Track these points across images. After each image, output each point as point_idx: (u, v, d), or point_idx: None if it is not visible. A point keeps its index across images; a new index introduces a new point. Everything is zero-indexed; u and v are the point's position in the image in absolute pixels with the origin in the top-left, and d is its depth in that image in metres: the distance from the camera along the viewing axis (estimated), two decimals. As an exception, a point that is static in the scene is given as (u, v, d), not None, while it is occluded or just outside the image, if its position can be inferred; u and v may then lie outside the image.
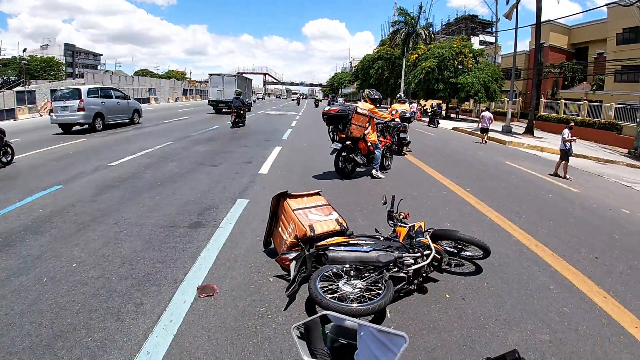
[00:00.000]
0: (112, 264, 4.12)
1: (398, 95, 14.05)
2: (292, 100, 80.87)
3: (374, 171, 9.01)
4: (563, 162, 11.96)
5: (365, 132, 8.42)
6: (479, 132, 21.50)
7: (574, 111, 33.94)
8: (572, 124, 13.40)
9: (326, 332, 1.02)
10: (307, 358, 0.93)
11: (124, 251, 4.45)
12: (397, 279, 3.66)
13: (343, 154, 8.56)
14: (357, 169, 9.11)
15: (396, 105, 14.30)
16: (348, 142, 8.43)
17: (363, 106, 8.47)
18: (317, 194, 4.71)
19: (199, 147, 12.27)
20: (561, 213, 7.66)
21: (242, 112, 19.16)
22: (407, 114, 13.47)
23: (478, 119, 23.28)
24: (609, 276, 4.92)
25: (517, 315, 3.81)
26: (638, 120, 23.92)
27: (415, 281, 3.83)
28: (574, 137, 12.13)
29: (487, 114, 20.27)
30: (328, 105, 13.33)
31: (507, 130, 25.88)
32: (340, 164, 8.65)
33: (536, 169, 13.24)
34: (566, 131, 12.19)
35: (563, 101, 35.16)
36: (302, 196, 4.43)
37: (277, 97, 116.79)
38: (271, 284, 3.92)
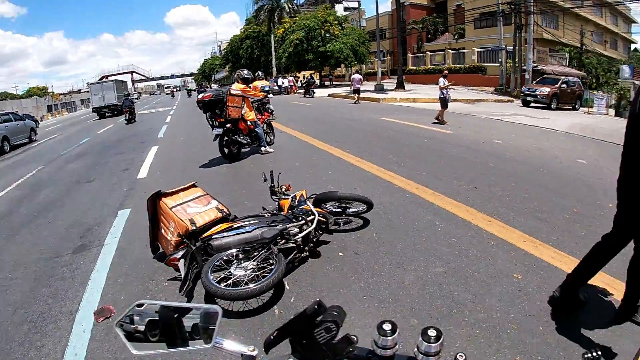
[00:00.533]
0: (5, 315, 4.06)
1: (256, 74, 14.35)
2: (167, 94, 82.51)
3: (262, 148, 9.75)
4: (443, 109, 13.39)
5: (242, 112, 9.02)
6: (352, 95, 23.34)
7: (440, 61, 38.51)
8: (446, 72, 14.82)
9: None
10: (134, 351, 0.94)
11: (14, 297, 4.42)
12: (288, 250, 3.91)
13: (226, 138, 9.12)
14: (243, 150, 9.65)
15: (256, 83, 14.75)
16: (228, 125, 8.95)
17: (236, 87, 9.07)
18: (193, 185, 4.79)
19: (72, 165, 12.20)
20: (437, 155, 8.66)
21: (132, 109, 23.46)
22: (266, 87, 13.96)
23: (349, 83, 24.87)
24: (489, 201, 5.68)
25: (409, 256, 4.20)
26: (500, 60, 27.54)
27: (306, 248, 4.10)
28: (450, 83, 13.63)
29: (356, 76, 23.21)
30: (198, 93, 13.47)
31: (379, 89, 27.98)
32: (225, 149, 9.20)
33: (411, 119, 14.77)
34: (442, 79, 13.55)
35: (428, 53, 39.80)
36: (177, 192, 4.60)
37: (150, 95, 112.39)
38: (167, 288, 4.04)
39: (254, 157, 9.62)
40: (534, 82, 23.55)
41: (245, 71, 9.64)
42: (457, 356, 0.80)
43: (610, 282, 3.67)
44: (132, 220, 6.16)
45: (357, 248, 4.40)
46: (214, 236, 3.86)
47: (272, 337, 0.85)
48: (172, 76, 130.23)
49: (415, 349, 0.81)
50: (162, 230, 4.34)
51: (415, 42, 46.32)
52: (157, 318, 0.97)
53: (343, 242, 4.56)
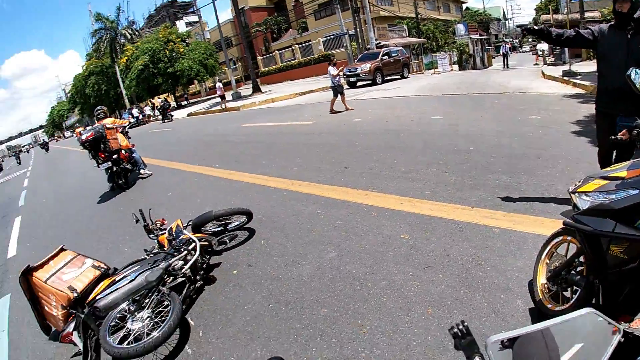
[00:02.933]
0: None
1: (95, 111, 13.57)
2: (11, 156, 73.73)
3: (142, 171, 10.23)
4: (339, 96, 12.96)
5: (119, 142, 9.58)
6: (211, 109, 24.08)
7: (289, 57, 39.65)
8: (334, 59, 14.58)
9: None
10: None
11: None
12: (180, 285, 3.78)
13: (115, 169, 9.56)
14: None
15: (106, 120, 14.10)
16: (115, 156, 9.38)
17: (108, 121, 9.60)
18: (62, 249, 4.43)
19: None
20: (304, 147, 8.91)
21: None
22: (125, 116, 13.45)
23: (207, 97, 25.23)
24: (362, 177, 5.99)
25: (300, 251, 4.25)
26: (345, 44, 29.00)
27: (198, 277, 4.00)
28: (340, 69, 13.34)
29: (219, 84, 25.33)
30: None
31: (237, 97, 28.13)
32: (117, 180, 9.65)
33: (272, 119, 14.99)
34: (331, 68, 13.17)
35: (277, 52, 40.82)
36: (47, 262, 4.23)
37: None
38: None
39: (120, 199, 9.06)
40: (356, 60, 24.10)
41: (99, 108, 10.40)
42: None
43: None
44: (15, 307, 5.56)
45: (249, 260, 4.36)
46: (98, 297, 3.62)
47: None
48: (21, 134, 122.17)
49: None
50: (46, 307, 4.00)
51: (262, 44, 47.21)
52: None
53: (234, 259, 4.49)
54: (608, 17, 23.20)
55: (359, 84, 21.59)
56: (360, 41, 28.78)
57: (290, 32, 45.72)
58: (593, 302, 2.30)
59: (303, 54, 38.32)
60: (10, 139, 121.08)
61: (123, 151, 9.74)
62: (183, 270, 3.78)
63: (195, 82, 43.42)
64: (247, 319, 3.40)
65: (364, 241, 4.09)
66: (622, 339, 2.28)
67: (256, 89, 28.94)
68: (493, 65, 32.62)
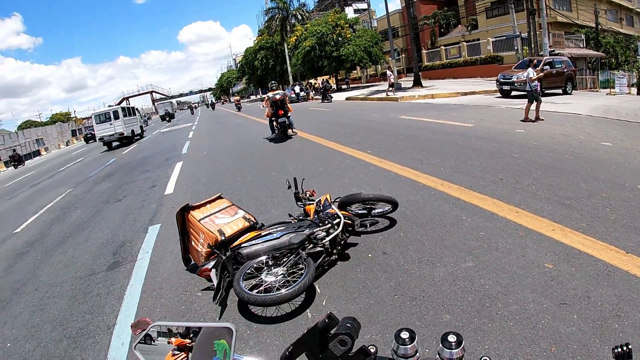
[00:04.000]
0: (44, 331, 4.26)
1: (270, 84, 15.08)
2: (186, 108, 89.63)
3: (293, 130, 14.20)
4: (534, 103, 11.62)
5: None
6: (384, 94, 24.60)
7: (455, 54, 38.19)
8: (535, 60, 13.52)
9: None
10: None
11: (52, 314, 4.61)
12: (316, 254, 3.99)
13: (286, 122, 13.61)
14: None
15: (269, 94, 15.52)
16: (289, 114, 13.76)
17: (282, 92, 14.25)
18: (219, 197, 4.92)
19: (100, 186, 12.68)
20: (460, 149, 8.61)
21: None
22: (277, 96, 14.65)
23: (379, 82, 25.65)
24: (516, 192, 5.64)
25: (437, 253, 4.22)
26: (515, 47, 27.11)
27: (335, 251, 4.18)
28: (542, 74, 12.10)
29: (388, 72, 25.91)
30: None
31: (397, 88, 27.86)
32: (284, 132, 13.86)
33: (430, 115, 14.64)
34: (530, 70, 11.88)
35: (443, 48, 39.53)
36: (204, 204, 4.73)
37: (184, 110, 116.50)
38: (200, 298, 4.14)
39: (275, 164, 9.78)
40: (514, 67, 21.37)
41: (275, 82, 14.62)
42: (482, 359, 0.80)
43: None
44: (162, 235, 6.33)
45: (385, 248, 4.45)
46: (243, 245, 4.00)
47: (287, 352, 0.84)
48: (191, 92, 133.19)
49: (437, 356, 0.80)
50: (193, 243, 4.48)
51: (429, 38, 46.04)
52: (171, 339, 1.00)
53: (371, 244, 4.61)
54: None
55: (513, 93, 19.15)
56: (532, 46, 26.55)
57: (458, 29, 43.88)
58: None
59: (470, 52, 36.53)
60: (181, 95, 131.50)
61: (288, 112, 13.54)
62: (324, 241, 3.97)
63: (358, 68, 44.20)
64: (370, 302, 3.50)
65: (505, 259, 3.91)
66: None
67: (417, 83, 28.52)
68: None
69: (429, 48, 44.05)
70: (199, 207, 4.62)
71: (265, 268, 3.80)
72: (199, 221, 4.35)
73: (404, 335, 0.80)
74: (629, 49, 35.58)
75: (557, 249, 4.04)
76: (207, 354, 0.91)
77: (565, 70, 20.72)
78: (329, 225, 4.11)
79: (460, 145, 8.95)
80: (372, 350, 0.83)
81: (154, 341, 1.04)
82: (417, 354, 0.81)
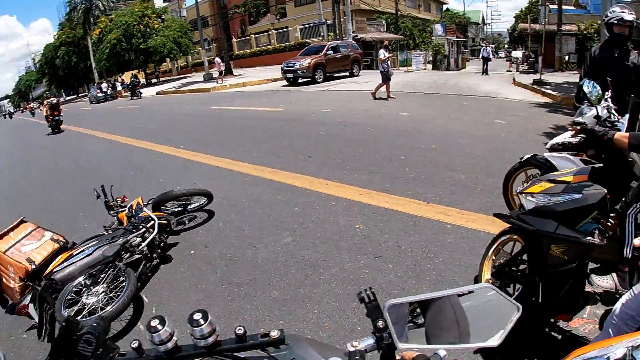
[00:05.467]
0: None
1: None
2: None
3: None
4: (385, 83, 12.44)
5: None
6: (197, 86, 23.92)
7: (265, 42, 39.32)
8: (386, 42, 13.87)
9: None
10: None
11: None
12: (136, 262, 3.82)
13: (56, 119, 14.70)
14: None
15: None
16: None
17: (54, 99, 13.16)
18: (22, 221, 4.36)
19: None
20: (272, 133, 9.01)
21: None
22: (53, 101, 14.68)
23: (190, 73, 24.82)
24: (325, 166, 6.14)
25: (257, 235, 4.36)
26: (322, 34, 29.01)
27: (155, 255, 4.05)
28: (391, 55, 12.79)
29: (217, 59, 24.91)
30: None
31: (208, 78, 27.77)
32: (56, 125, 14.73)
33: (242, 103, 15.00)
34: (382, 51, 12.54)
35: (253, 36, 40.37)
36: (6, 233, 4.17)
37: None
38: (28, 340, 3.71)
39: (82, 174, 8.89)
40: (299, 53, 21.88)
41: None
42: (236, 330, 0.83)
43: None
44: None
45: (207, 241, 4.44)
46: (55, 270, 3.64)
47: None
48: None
49: (191, 337, 0.82)
50: (4, 279, 3.93)
51: (239, 26, 46.44)
52: None
53: (192, 240, 4.56)
54: (584, 33, 23.93)
55: (300, 80, 19.33)
56: (337, 32, 28.78)
57: (268, 17, 45.20)
58: (533, 299, 2.43)
59: (279, 40, 38.01)
60: None
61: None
62: (140, 247, 3.83)
63: (168, 60, 42.60)
64: (199, 297, 3.48)
65: (320, 229, 4.23)
66: (559, 337, 2.46)
67: (228, 72, 28.62)
68: (467, 68, 33.22)
69: (240, 37, 44.45)
70: (1, 237, 4.08)
71: (85, 289, 3.55)
72: (4, 253, 3.86)
73: (197, 316, 0.80)
74: (425, 31, 41.06)
75: (366, 210, 4.52)
76: None
77: (351, 53, 21.55)
78: (144, 229, 3.96)
79: (272, 129, 9.35)
80: (135, 345, 0.82)
81: None
82: (174, 337, 0.82)
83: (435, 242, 3.77)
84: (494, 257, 3.00)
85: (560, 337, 2.49)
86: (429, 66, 29.85)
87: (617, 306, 1.88)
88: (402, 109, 10.19)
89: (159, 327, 0.79)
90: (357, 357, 0.77)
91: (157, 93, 28.21)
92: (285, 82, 19.97)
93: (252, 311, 3.14)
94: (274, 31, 39.14)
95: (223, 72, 25.51)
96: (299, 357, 0.82)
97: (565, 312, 2.44)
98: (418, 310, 0.93)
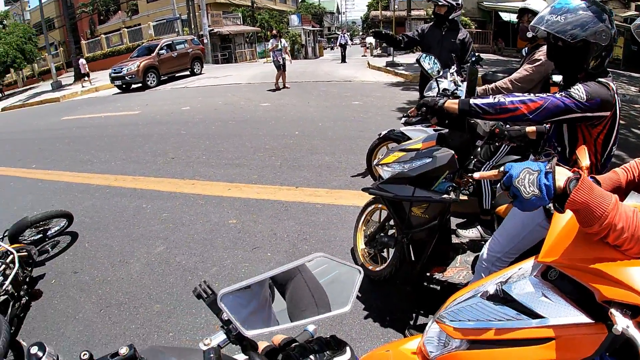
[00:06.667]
0: None
1: None
2: None
3: None
4: (280, 73, 12.37)
5: None
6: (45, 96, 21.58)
7: (117, 42, 36.88)
8: (275, 31, 13.47)
9: None
10: None
11: None
12: (4, 304, 3.41)
13: None
14: None
15: None
16: None
17: None
18: None
19: None
20: (128, 139, 8.52)
21: None
22: None
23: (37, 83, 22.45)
24: (189, 166, 6.03)
25: (128, 249, 4.13)
26: (177, 30, 28.00)
27: (22, 292, 3.63)
28: (278, 44, 12.35)
29: (82, 60, 23.51)
30: None
31: (58, 86, 25.27)
32: None
33: (95, 110, 13.87)
34: (272, 41, 12.53)
35: (103, 36, 37.52)
36: None
37: None
38: None
39: None
40: (131, 55, 20.15)
41: None
42: (81, 355, 0.77)
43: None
44: None
45: (75, 267, 4.08)
46: None
47: None
48: None
49: None
50: None
51: (88, 27, 42.80)
52: None
53: (59, 267, 4.16)
54: (432, 16, 25.78)
55: (133, 86, 17.92)
56: (193, 27, 27.98)
57: (119, 15, 42.35)
58: (407, 259, 2.65)
59: (132, 38, 35.73)
60: None
61: None
62: (4, 287, 3.42)
63: (12, 70, 38.11)
64: (80, 329, 3.22)
65: (192, 231, 4.15)
66: (438, 288, 2.69)
67: (79, 77, 26.43)
68: (324, 56, 34.36)
69: (89, 38, 40.88)
70: None
71: None
72: None
73: (34, 350, 0.74)
74: (282, 22, 41.31)
75: (236, 204, 4.54)
76: None
77: (190, 50, 20.30)
78: (3, 266, 3.54)
79: (129, 134, 8.86)
80: None
81: None
82: None
83: (308, 224, 3.93)
84: (364, 227, 3.23)
85: (438, 287, 2.73)
86: (287, 56, 30.37)
87: (484, 251, 2.12)
88: (263, 100, 10.29)
89: (40, 353, 0.74)
90: (211, 355, 0.76)
91: (3, 109, 25.26)
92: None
93: (138, 329, 3.00)
94: (125, 30, 36.76)
95: (89, 73, 23.15)
96: None
97: (439, 265, 2.69)
98: (277, 292, 0.95)
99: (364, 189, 2.78)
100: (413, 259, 2.63)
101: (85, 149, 8.47)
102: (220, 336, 0.83)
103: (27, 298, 3.73)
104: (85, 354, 0.77)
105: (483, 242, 2.66)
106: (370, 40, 26.90)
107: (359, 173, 4.94)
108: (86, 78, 22.76)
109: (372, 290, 2.97)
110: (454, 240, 2.89)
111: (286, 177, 5.07)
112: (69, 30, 30.05)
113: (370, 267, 3.02)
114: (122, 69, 17.42)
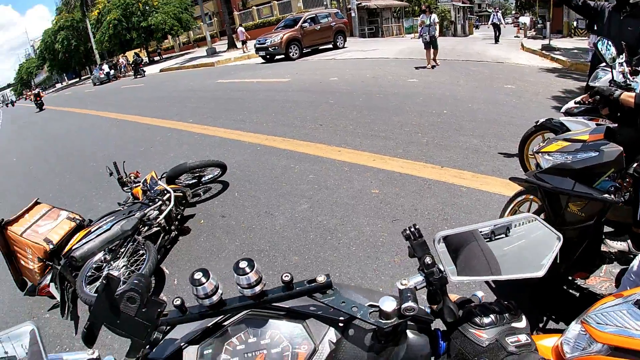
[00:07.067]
0: None
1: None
2: None
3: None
4: (428, 50, 11.48)
5: None
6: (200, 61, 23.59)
7: (267, 14, 38.67)
8: (424, 6, 12.62)
9: None
10: None
11: None
12: (155, 235, 3.87)
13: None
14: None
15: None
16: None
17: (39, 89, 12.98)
18: (37, 203, 4.44)
19: None
20: (279, 103, 8.96)
21: None
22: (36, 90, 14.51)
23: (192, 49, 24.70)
24: (336, 134, 6.13)
25: (274, 203, 4.39)
26: (325, 3, 28.54)
27: (172, 227, 4.09)
28: (427, 20, 11.58)
29: (241, 28, 24.87)
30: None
31: (212, 53, 27.42)
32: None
33: (247, 75, 14.85)
34: (422, 16, 11.84)
35: (254, 8, 39.56)
36: (22, 215, 4.24)
37: None
38: (51, 319, 3.75)
39: (92, 154, 8.96)
40: (276, 27, 20.30)
41: None
42: (283, 276, 0.80)
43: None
44: None
45: (223, 211, 4.48)
46: (74, 247, 3.68)
47: (85, 330, 0.79)
48: None
49: (238, 287, 0.80)
50: (22, 261, 4.04)
51: (240, -1, 45.85)
52: None
53: (208, 211, 4.60)
54: None
55: (276, 58, 18.03)
56: (341, 1, 28.30)
57: (269, -13, 44.60)
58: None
59: (281, 10, 37.29)
60: None
61: None
62: (158, 220, 3.85)
63: (169, 37, 42.26)
64: (221, 266, 3.52)
65: (336, 194, 4.25)
66: (577, 295, 2.48)
67: (232, 45, 28.31)
68: (474, 34, 32.73)
69: (241, 9, 43.74)
70: (16, 220, 4.14)
71: (105, 265, 3.62)
72: (20, 235, 3.93)
73: (243, 264, 0.78)
74: None
75: (380, 175, 4.53)
76: None
77: (333, 24, 19.64)
78: (160, 202, 3.99)
79: (280, 100, 9.30)
80: (178, 303, 0.80)
81: None
82: (219, 290, 0.80)
83: (451, 205, 3.79)
84: (510, 218, 3.02)
85: (578, 294, 2.52)
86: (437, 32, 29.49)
87: (635, 263, 1.88)
88: (411, 76, 10.10)
89: (203, 279, 0.77)
90: (409, 295, 0.75)
91: (161, 70, 28.09)
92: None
93: (274, 277, 3.17)
94: (276, 2, 38.45)
95: (247, 40, 24.71)
96: (348, 300, 0.80)
97: (583, 270, 2.45)
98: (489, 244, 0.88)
99: (511, 178, 2.60)
100: (559, 260, 2.41)
101: (238, 110, 9.11)
102: (418, 278, 0.81)
103: (176, 233, 4.17)
104: (177, 300, 0.79)
105: (632, 256, 2.35)
106: (524, 19, 24.88)
107: (508, 160, 4.64)
108: (244, 45, 24.53)
109: (502, 284, 2.79)
110: (602, 248, 2.60)
111: (431, 155, 4.93)
112: (223, 1, 32.13)
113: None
114: (266, 40, 17.94)
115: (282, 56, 17.66)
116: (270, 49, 17.59)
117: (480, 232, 0.85)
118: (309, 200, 4.24)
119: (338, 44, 19.73)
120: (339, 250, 3.34)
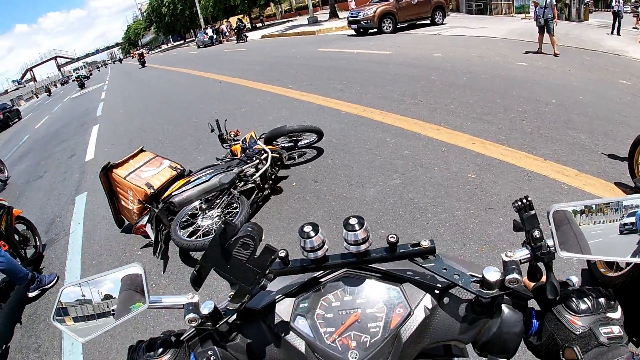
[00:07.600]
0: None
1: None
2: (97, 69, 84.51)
3: None
4: (547, 34, 10.32)
5: None
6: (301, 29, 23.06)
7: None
8: None
9: None
10: (81, 339, 0.88)
11: None
12: (249, 191, 4.08)
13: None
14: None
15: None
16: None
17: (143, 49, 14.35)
18: (142, 150, 4.85)
19: (17, 168, 11.60)
20: (380, 76, 8.82)
21: None
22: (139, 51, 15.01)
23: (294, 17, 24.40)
24: (436, 112, 5.96)
25: (366, 174, 4.42)
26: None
27: (266, 186, 4.28)
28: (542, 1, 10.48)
29: None
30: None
31: (313, 21, 27.58)
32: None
33: (348, 46, 14.76)
34: None
35: (357, -24, 38.93)
36: (127, 160, 4.66)
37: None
38: (141, 256, 4.12)
39: (194, 110, 9.55)
40: (370, 0, 18.78)
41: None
42: (389, 237, 0.78)
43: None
44: (91, 203, 6.17)
45: (316, 176, 4.59)
46: (173, 194, 3.98)
47: (194, 272, 0.80)
48: (97, 51, 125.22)
49: (344, 242, 0.80)
50: (123, 202, 4.42)
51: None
52: (86, 297, 0.90)
53: (301, 174, 4.74)
54: None
55: (369, 31, 17.30)
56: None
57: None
58: None
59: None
60: (87, 55, 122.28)
61: None
62: (254, 177, 4.05)
63: (272, 4, 42.94)
64: None
65: (430, 174, 4.17)
66: None
67: (333, 15, 28.20)
68: (589, 20, 30.01)
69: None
70: (121, 164, 4.53)
71: (200, 213, 3.86)
72: (124, 178, 4.29)
73: (353, 221, 0.78)
74: None
75: (478, 160, 4.36)
76: (126, 301, 0.85)
77: None
78: (257, 161, 4.16)
79: (380, 72, 9.17)
80: (282, 255, 0.81)
81: (69, 311, 0.92)
82: (325, 246, 0.81)
83: (550, 201, 3.55)
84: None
85: None
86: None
87: None
88: (519, 59, 9.54)
89: (312, 233, 0.78)
90: (513, 267, 0.74)
91: (263, 36, 28.76)
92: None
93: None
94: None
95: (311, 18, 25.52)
96: (450, 267, 0.79)
97: None
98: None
99: (617, 183, 2.41)
100: None
101: (338, 79, 9.15)
102: (524, 251, 0.78)
103: (269, 191, 4.36)
104: (282, 252, 0.80)
105: None
106: None
107: (615, 163, 4.27)
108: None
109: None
110: None
111: (535, 146, 4.65)
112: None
113: (602, 270, 2.63)
114: (359, 13, 17.37)
115: (375, 30, 16.95)
116: (362, 22, 17.05)
117: None
118: (401, 176, 4.21)
119: (436, 19, 18.32)
120: (426, 230, 3.30)
